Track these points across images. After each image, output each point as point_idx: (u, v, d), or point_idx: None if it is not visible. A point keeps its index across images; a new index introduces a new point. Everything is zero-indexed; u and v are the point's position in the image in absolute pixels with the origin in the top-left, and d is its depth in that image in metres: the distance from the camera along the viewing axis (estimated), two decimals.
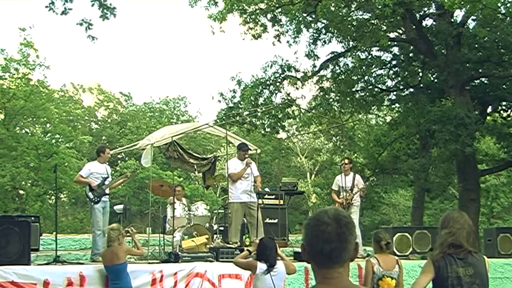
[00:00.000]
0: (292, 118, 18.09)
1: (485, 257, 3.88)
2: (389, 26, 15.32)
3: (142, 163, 10.61)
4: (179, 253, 7.65)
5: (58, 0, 10.34)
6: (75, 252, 9.87)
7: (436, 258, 3.77)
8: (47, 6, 10.32)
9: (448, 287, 3.66)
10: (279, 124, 16.49)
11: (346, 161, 10.01)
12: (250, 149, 10.10)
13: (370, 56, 17.12)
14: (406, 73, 17.28)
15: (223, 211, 10.98)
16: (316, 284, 1.92)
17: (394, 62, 17.66)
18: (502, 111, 16.57)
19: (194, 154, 12.51)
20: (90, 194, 8.30)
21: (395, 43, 16.95)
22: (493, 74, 15.21)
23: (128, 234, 7.26)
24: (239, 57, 53.45)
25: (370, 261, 5.43)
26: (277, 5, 15.72)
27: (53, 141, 24.11)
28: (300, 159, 34.01)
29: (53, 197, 22.37)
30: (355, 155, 20.64)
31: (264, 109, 15.40)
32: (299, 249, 9.58)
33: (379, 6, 13.17)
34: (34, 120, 24.01)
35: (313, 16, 15.34)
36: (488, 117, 16.53)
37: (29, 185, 21.86)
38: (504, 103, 16.29)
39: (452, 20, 15.29)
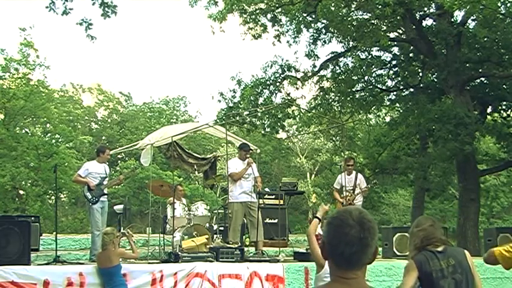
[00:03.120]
0: (292, 118, 18.10)
1: (466, 251, 3.92)
2: (389, 26, 15.32)
3: (142, 162, 10.64)
4: (179, 253, 7.64)
5: (58, 0, 10.33)
6: (75, 252, 9.87)
7: (415, 255, 3.81)
8: (47, 7, 10.29)
9: (433, 280, 3.68)
10: (278, 124, 16.49)
11: (351, 162, 10.00)
12: (252, 149, 10.09)
13: (370, 56, 17.13)
14: (406, 73, 17.27)
15: (223, 211, 10.97)
16: (331, 281, 1.91)
17: (394, 62, 17.65)
18: (502, 111, 16.58)
19: (194, 154, 12.52)
20: (88, 194, 8.27)
21: (396, 43, 16.95)
22: (493, 74, 15.22)
23: (124, 236, 7.27)
24: (239, 57, 53.46)
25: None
26: (277, 5, 15.71)
27: (53, 141, 24.12)
28: (300, 159, 34.01)
29: (53, 197, 22.38)
30: (355, 154, 20.63)
31: (264, 109, 15.39)
32: (299, 249, 9.58)
33: (379, 6, 13.17)
34: (34, 120, 24.02)
35: (313, 16, 15.34)
36: (488, 117, 16.53)
37: (29, 185, 21.86)
38: (504, 103, 16.29)
39: (452, 20, 15.29)
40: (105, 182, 8.48)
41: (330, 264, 1.92)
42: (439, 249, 3.78)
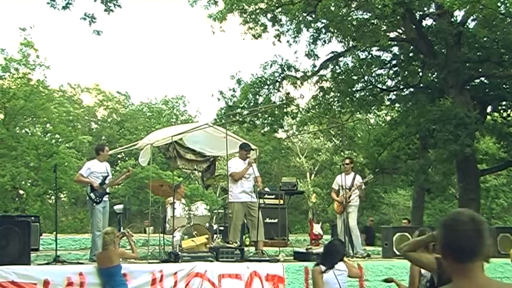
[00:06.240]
0: (291, 117, 18.11)
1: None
2: (389, 26, 15.32)
3: (139, 162, 10.62)
4: (179, 253, 7.64)
5: None
6: (75, 252, 9.85)
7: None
8: (48, 3, 10.35)
9: None
10: (278, 123, 16.50)
11: (347, 160, 10.00)
12: (253, 149, 10.09)
13: (370, 56, 17.14)
14: (406, 73, 17.28)
15: (223, 211, 10.96)
16: (454, 280, 2.01)
17: (394, 62, 17.65)
18: (502, 111, 16.58)
19: (194, 153, 12.48)
20: (92, 194, 8.18)
21: (395, 43, 16.95)
22: (493, 73, 15.23)
23: (124, 236, 7.26)
24: (239, 57, 53.38)
25: None
26: (277, 5, 15.73)
27: (53, 141, 24.11)
28: (300, 159, 34.01)
29: (53, 197, 22.39)
30: (355, 154, 20.63)
31: (263, 108, 15.40)
32: (299, 249, 9.57)
33: (379, 6, 13.17)
34: (34, 120, 24.01)
35: (313, 16, 15.35)
36: (488, 117, 16.54)
37: (29, 185, 21.86)
38: (504, 103, 16.30)
39: (452, 19, 15.29)
40: (107, 181, 8.42)
41: (450, 263, 2.03)
42: None
